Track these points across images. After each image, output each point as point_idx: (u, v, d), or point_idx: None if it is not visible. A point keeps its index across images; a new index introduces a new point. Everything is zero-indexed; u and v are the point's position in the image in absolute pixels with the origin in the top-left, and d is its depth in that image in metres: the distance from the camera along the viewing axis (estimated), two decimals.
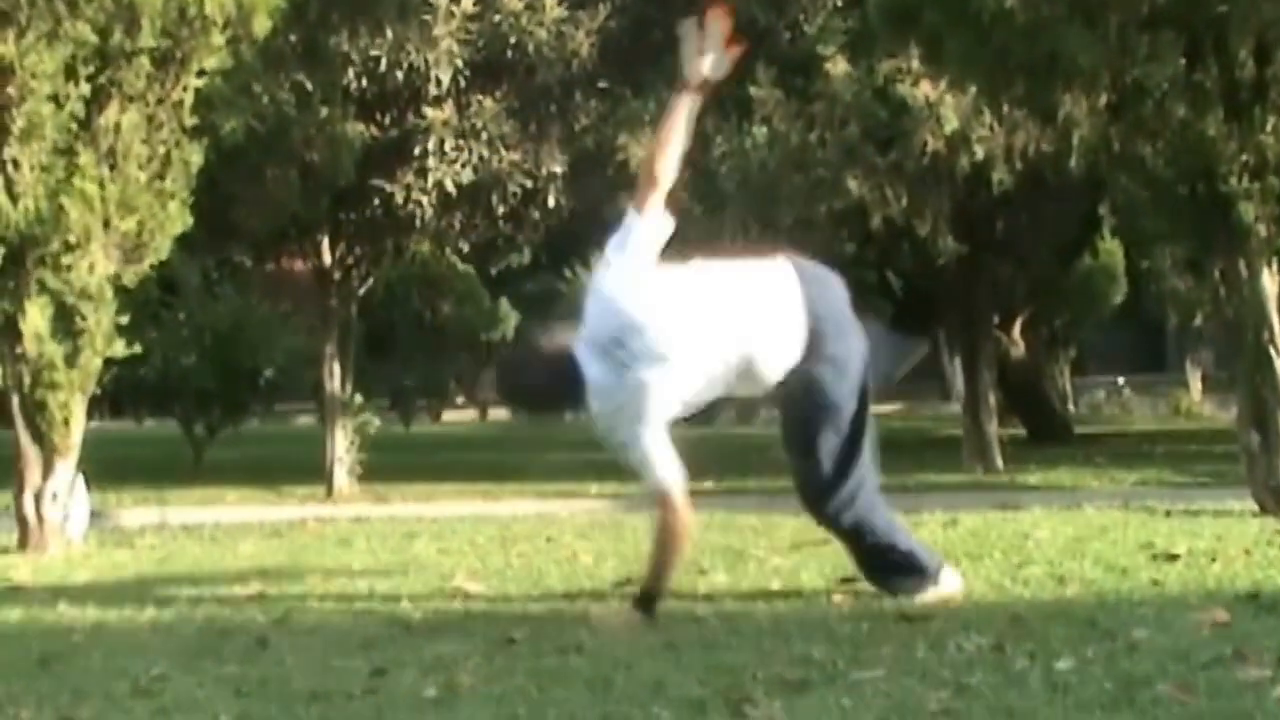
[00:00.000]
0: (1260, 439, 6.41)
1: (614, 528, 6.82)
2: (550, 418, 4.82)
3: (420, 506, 8.81)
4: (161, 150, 6.61)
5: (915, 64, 9.03)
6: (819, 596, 4.39)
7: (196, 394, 12.63)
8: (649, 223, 4.15)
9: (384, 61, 9.58)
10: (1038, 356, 15.21)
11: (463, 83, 9.91)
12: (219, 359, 12.46)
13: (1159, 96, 6.35)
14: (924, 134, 9.27)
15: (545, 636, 3.89)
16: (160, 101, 6.58)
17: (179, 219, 6.67)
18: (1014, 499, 7.56)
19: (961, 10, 6.39)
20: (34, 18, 6.24)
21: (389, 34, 9.56)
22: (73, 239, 6.35)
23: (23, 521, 6.51)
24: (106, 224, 6.43)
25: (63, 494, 6.54)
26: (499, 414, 22.18)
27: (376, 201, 10.11)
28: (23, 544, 6.48)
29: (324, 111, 9.55)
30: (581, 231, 12.82)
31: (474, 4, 9.79)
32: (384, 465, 10.83)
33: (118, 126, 6.46)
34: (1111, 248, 16.71)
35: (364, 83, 9.73)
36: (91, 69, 6.35)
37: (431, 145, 9.86)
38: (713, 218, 9.88)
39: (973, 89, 7.86)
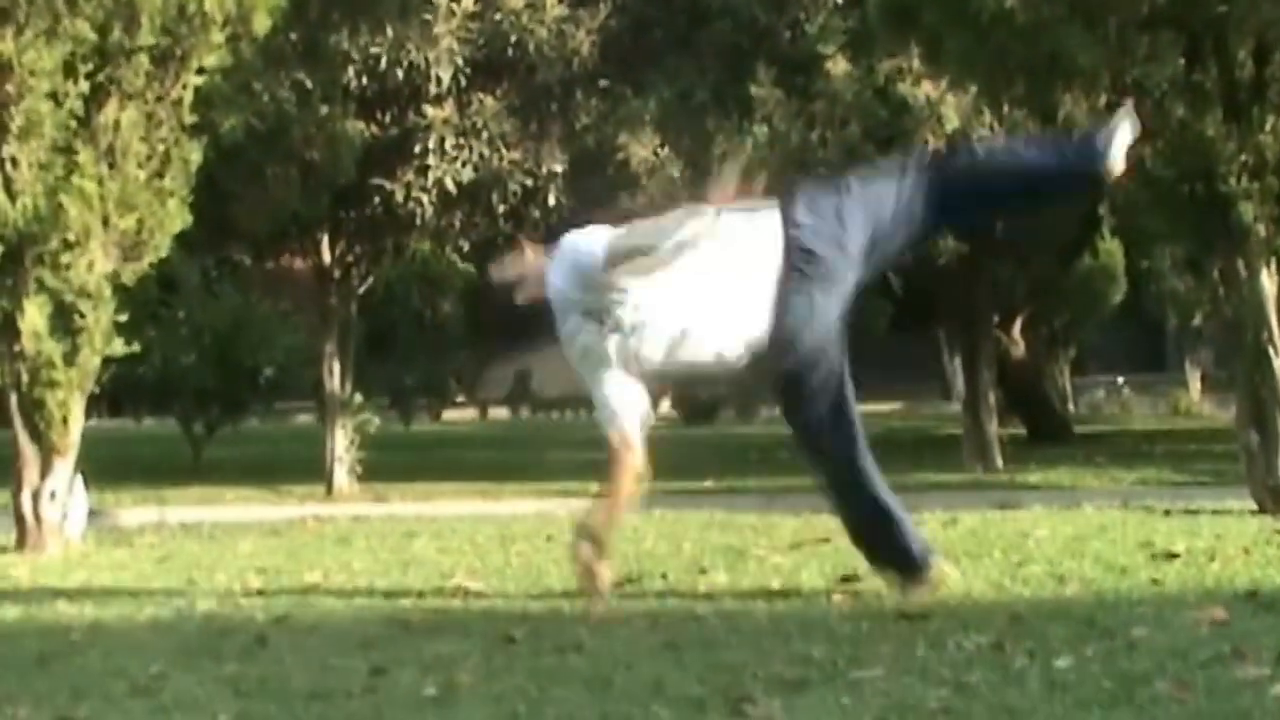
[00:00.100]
0: (1259, 438, 6.41)
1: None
2: (520, 350, 4.93)
3: (420, 505, 8.82)
4: (161, 148, 6.61)
5: (916, 64, 9.04)
6: (819, 596, 4.39)
7: (196, 393, 12.65)
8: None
9: (384, 60, 9.59)
10: (1038, 356, 15.22)
11: (463, 81, 9.92)
12: (218, 358, 12.47)
13: (1158, 97, 6.36)
14: (925, 133, 9.27)
15: (544, 635, 3.89)
16: (160, 99, 6.57)
17: (178, 217, 6.67)
18: (1014, 498, 7.56)
19: (961, 10, 6.39)
20: (33, 15, 6.24)
21: (389, 32, 9.57)
22: (71, 237, 6.34)
23: (21, 520, 6.51)
24: (105, 222, 6.43)
25: (61, 493, 6.54)
26: (499, 413, 22.22)
27: (377, 200, 10.11)
28: (21, 543, 6.48)
29: (324, 110, 9.56)
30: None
31: (474, 3, 9.80)
32: (384, 464, 10.84)
33: (117, 124, 6.46)
34: (1111, 248, 16.72)
35: (364, 81, 9.74)
36: (90, 66, 6.35)
37: (432, 144, 9.87)
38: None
39: (973, 89, 7.87)
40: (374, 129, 9.98)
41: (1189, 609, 3.82)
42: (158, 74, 6.54)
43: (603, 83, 10.64)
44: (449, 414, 21.68)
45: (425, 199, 10.00)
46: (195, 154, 6.73)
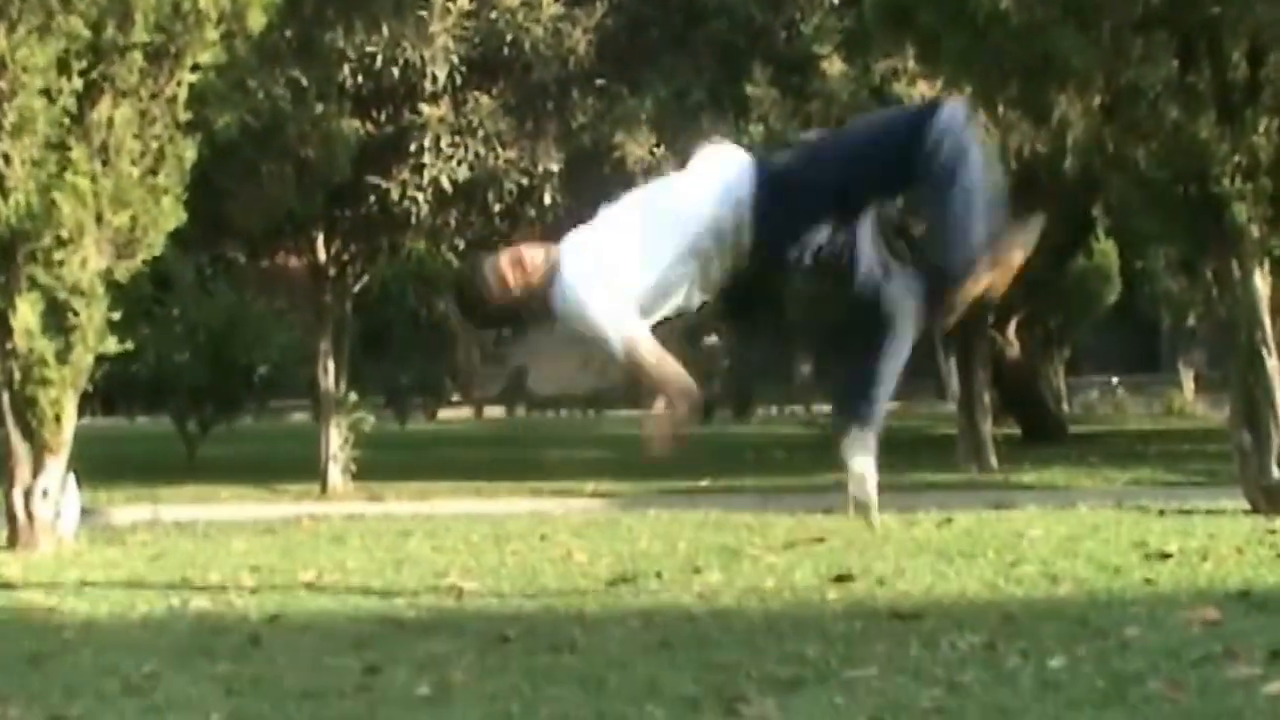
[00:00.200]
0: (1252, 438, 6.42)
1: (609, 526, 6.82)
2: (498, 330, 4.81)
3: (415, 504, 8.81)
4: (155, 145, 6.60)
5: (911, 64, 9.04)
6: (813, 595, 4.39)
7: (190, 391, 12.62)
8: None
9: (380, 58, 9.58)
10: (1032, 356, 15.22)
11: (459, 80, 9.91)
12: (213, 355, 12.45)
13: (1152, 98, 6.37)
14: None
15: (539, 635, 3.89)
16: (154, 96, 6.56)
17: (172, 215, 6.65)
18: (1008, 498, 7.57)
19: (957, 11, 6.40)
20: (26, 11, 6.23)
21: (385, 30, 9.56)
22: (65, 234, 6.33)
23: (13, 519, 6.50)
24: (99, 219, 6.41)
25: (54, 491, 6.52)
26: (495, 412, 22.21)
27: (372, 198, 10.10)
28: (13, 541, 6.46)
29: (319, 108, 9.55)
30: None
31: (470, 1, 9.79)
32: (379, 463, 10.83)
33: (110, 121, 6.45)
34: (1106, 248, 16.73)
35: (360, 79, 9.73)
36: (84, 63, 6.34)
37: (427, 142, 9.86)
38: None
39: (968, 89, 7.86)
40: (369, 127, 9.97)
41: (1182, 609, 3.83)
42: (152, 71, 6.53)
43: (599, 82, 10.64)
44: (444, 413, 21.67)
45: (420, 197, 9.99)
46: (189, 151, 6.72)
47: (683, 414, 3.80)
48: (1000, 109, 7.91)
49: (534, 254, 4.01)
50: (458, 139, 9.96)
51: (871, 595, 4.32)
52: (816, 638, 3.65)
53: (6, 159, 6.29)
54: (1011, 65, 6.51)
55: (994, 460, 10.92)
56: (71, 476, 6.66)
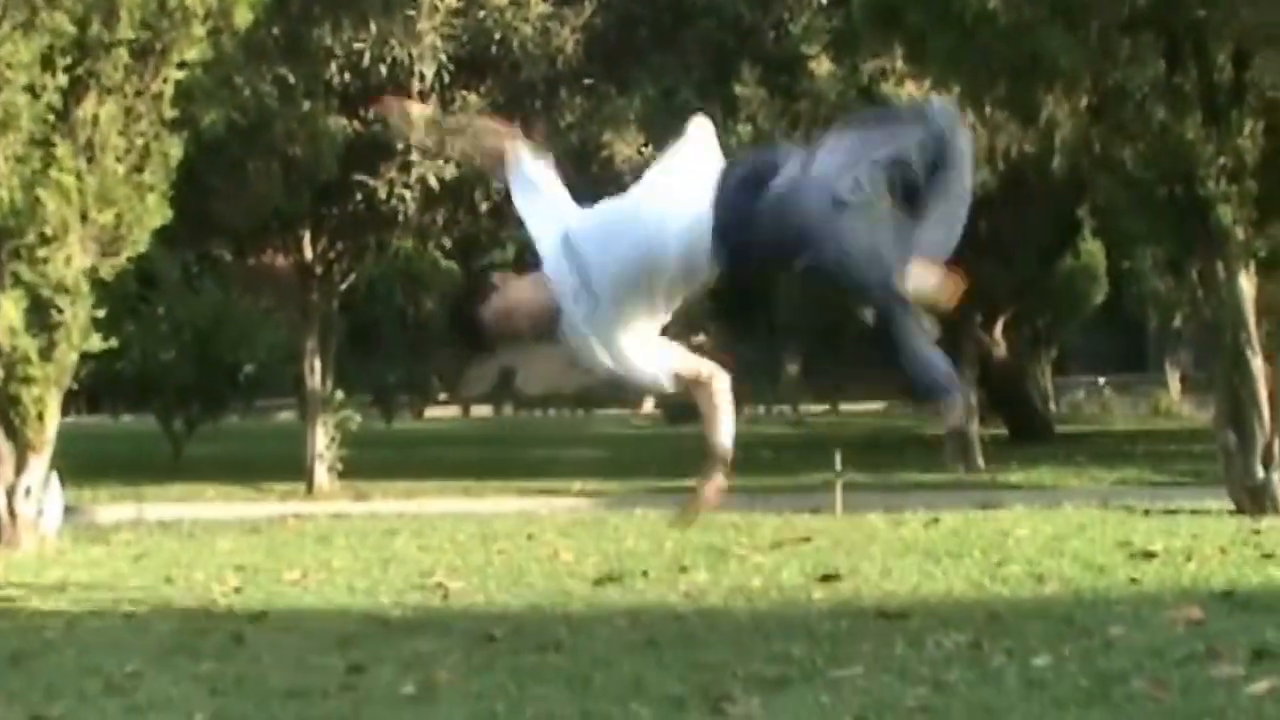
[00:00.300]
0: (1237, 439, 6.44)
1: (596, 525, 6.82)
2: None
3: (401, 503, 8.79)
4: (140, 142, 6.57)
5: (899, 64, 9.04)
6: (799, 594, 4.39)
7: (175, 389, 12.58)
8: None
9: (367, 55, 9.55)
10: (1020, 356, 15.25)
11: (446, 78, 9.89)
12: (198, 354, 12.41)
13: (1139, 99, 6.38)
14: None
15: (525, 634, 3.88)
16: (139, 93, 6.54)
17: (158, 212, 6.63)
18: (995, 498, 7.58)
19: (945, 11, 6.41)
20: (10, 8, 6.20)
21: (372, 28, 9.53)
22: (49, 231, 6.30)
23: None
24: (84, 216, 6.39)
25: (36, 490, 6.49)
26: (482, 411, 22.19)
27: (359, 196, 10.07)
28: None
29: (306, 105, 9.52)
30: None
31: None
32: (365, 462, 10.80)
33: (95, 118, 6.42)
34: (1093, 249, 16.77)
35: (347, 77, 9.70)
36: (69, 60, 6.31)
37: (415, 140, 9.83)
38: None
39: (956, 89, 7.87)
40: (357, 125, 9.94)
41: (1166, 608, 3.83)
42: (137, 68, 6.51)
43: (587, 81, 10.62)
44: (431, 412, 21.63)
45: (408, 196, 9.97)
46: (175, 149, 6.70)
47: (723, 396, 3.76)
48: (988, 109, 7.93)
49: (525, 302, 3.91)
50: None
51: (858, 595, 4.32)
52: (803, 637, 3.64)
53: None
54: (999, 65, 6.52)
55: (981, 460, 10.94)
56: (55, 475, 6.63)
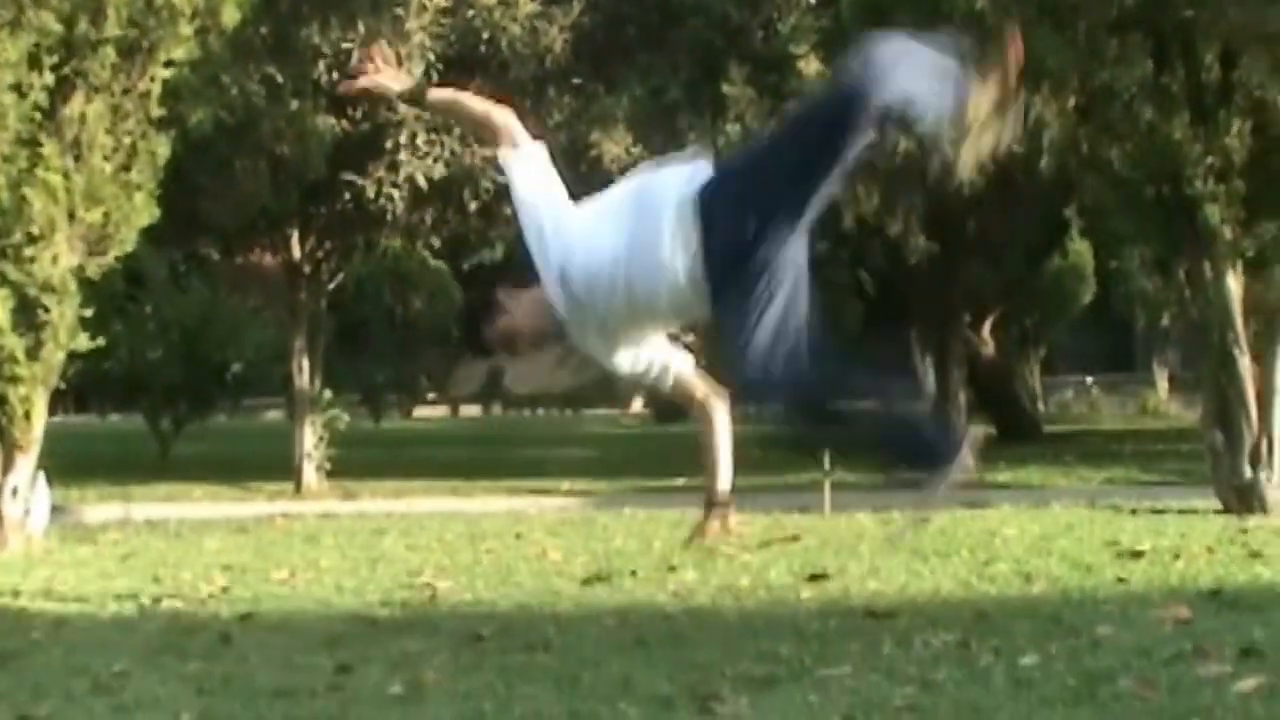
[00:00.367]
0: (1224, 438, 6.46)
1: (584, 525, 6.82)
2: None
3: (389, 503, 8.78)
4: (127, 141, 6.55)
5: None
6: (787, 593, 4.39)
7: (163, 388, 12.55)
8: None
9: (355, 55, 9.53)
10: (1008, 356, 15.29)
11: (435, 77, 9.87)
12: (186, 353, 12.38)
13: (1127, 99, 6.39)
14: (895, 133, 9.28)
15: (513, 633, 3.88)
16: (126, 92, 6.52)
17: (145, 211, 6.61)
18: (982, 497, 7.58)
19: (933, 11, 6.41)
20: None
21: (361, 27, 9.51)
22: (36, 230, 6.28)
23: None
24: (71, 215, 6.37)
25: (23, 489, 6.47)
26: (471, 410, 22.17)
27: (347, 196, 10.06)
28: None
29: (294, 104, 9.50)
30: None
31: None
32: (354, 461, 10.79)
33: (83, 117, 6.40)
34: (1081, 248, 16.82)
35: (335, 76, 9.68)
36: (56, 58, 6.28)
37: (403, 139, 9.82)
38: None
39: None
40: (344, 124, 9.92)
41: (1153, 607, 3.84)
42: (124, 66, 6.49)
43: (575, 80, 10.62)
44: (420, 411, 21.62)
45: (396, 195, 9.96)
46: (163, 147, 6.68)
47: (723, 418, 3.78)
48: None
49: (529, 323, 3.88)
50: (433, 136, 9.93)
51: (846, 594, 4.32)
52: (791, 636, 3.64)
53: None
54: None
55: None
56: (42, 474, 6.61)
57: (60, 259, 6.39)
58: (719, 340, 3.60)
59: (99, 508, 8.67)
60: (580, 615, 4.16)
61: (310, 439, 10.38)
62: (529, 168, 3.85)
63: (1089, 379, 19.86)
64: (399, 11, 9.56)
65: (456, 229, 11.30)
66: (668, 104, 10.43)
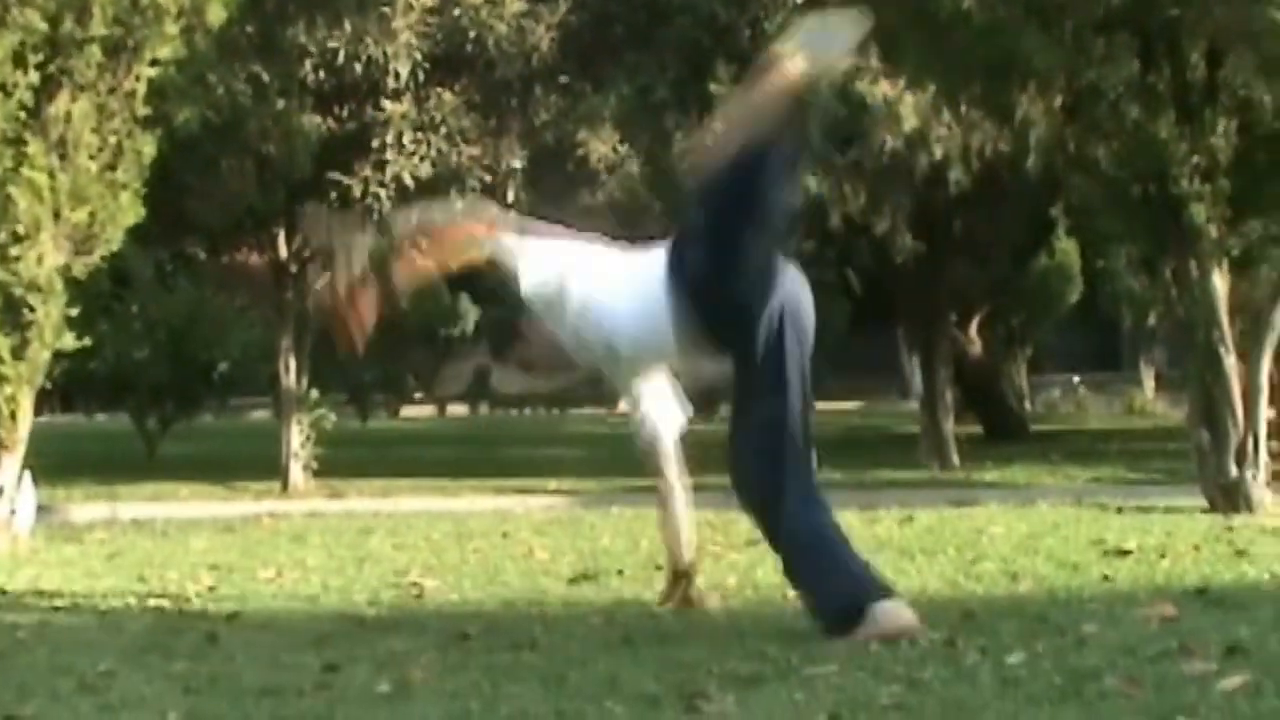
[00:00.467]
0: (1210, 437, 6.48)
1: (571, 524, 6.82)
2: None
3: (377, 502, 8.77)
4: (113, 140, 6.54)
5: (874, 63, 9.06)
6: (774, 592, 4.39)
7: (149, 388, 12.52)
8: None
9: (342, 54, 9.52)
10: (995, 355, 15.32)
11: (421, 76, 9.86)
12: (172, 352, 12.35)
13: (1113, 98, 6.41)
14: (882, 133, 9.31)
15: (500, 632, 3.88)
16: (112, 91, 6.50)
17: (131, 210, 6.60)
18: (969, 496, 7.61)
19: (919, 10, 6.42)
20: None
21: (347, 26, 9.50)
22: (21, 230, 6.26)
23: None
24: (56, 215, 6.35)
25: (9, 489, 6.46)
26: (458, 410, 22.14)
27: (334, 195, 10.04)
28: None
29: (280, 103, 9.49)
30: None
31: None
32: (341, 460, 10.78)
33: (68, 116, 6.38)
34: (1067, 247, 16.86)
35: (321, 75, 9.67)
36: (41, 57, 6.27)
37: (390, 139, 9.81)
38: (673, 214, 9.88)
39: (931, 88, 7.91)
40: (331, 123, 9.91)
41: (1139, 605, 3.85)
42: (110, 65, 6.47)
43: (562, 79, 10.62)
44: (407, 410, 21.59)
45: (383, 194, 9.94)
46: (149, 146, 6.66)
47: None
48: (963, 108, 7.96)
49: (547, 358, 3.97)
50: (420, 135, 9.92)
51: None
52: (777, 635, 3.65)
53: None
54: (974, 65, 6.54)
55: (956, 458, 10.98)
56: (28, 474, 6.60)
57: (46, 258, 6.37)
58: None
59: (85, 507, 8.64)
60: (567, 614, 4.16)
61: (297, 438, 10.37)
62: (534, 264, 3.86)
63: (1076, 378, 19.91)
64: (385, 10, 9.55)
65: None
66: (655, 103, 10.43)
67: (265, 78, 9.42)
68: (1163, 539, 5.35)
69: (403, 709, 3.04)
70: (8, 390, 6.33)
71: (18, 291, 6.35)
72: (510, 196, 10.38)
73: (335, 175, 9.91)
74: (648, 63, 10.56)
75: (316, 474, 10.40)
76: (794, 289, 3.72)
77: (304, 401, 10.60)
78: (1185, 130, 6.28)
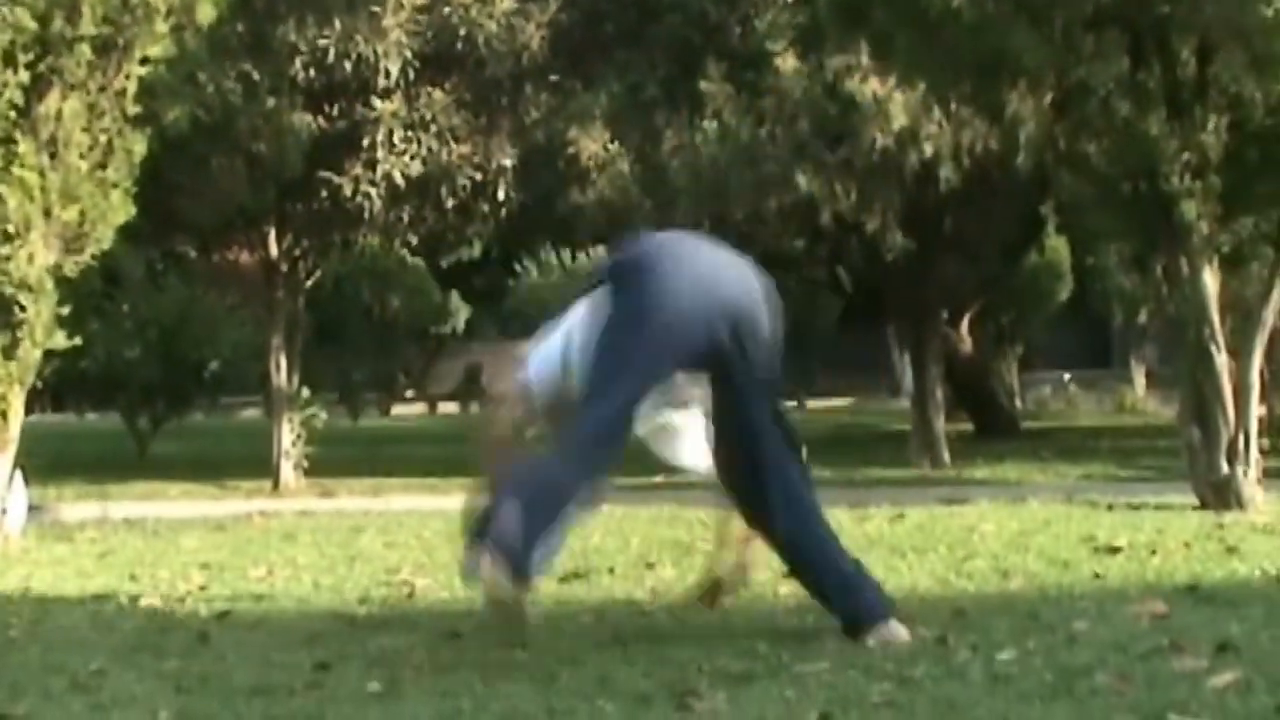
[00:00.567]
0: (1201, 434, 6.49)
1: None
2: None
3: (367, 501, 8.76)
4: (103, 139, 6.53)
5: (864, 60, 9.07)
6: (764, 590, 4.40)
7: (140, 387, 12.50)
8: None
9: (332, 52, 9.51)
10: (985, 352, 15.32)
11: (412, 74, 9.86)
12: (163, 351, 12.33)
13: (1103, 95, 6.41)
14: (873, 130, 9.30)
15: (491, 631, 3.87)
16: (102, 89, 6.49)
17: (121, 209, 6.59)
18: (960, 493, 7.61)
19: (909, 8, 6.42)
20: None
21: (337, 24, 9.49)
22: (11, 229, 6.25)
23: None
24: (47, 213, 6.34)
25: (0, 488, 6.44)
26: (448, 408, 22.12)
27: (324, 193, 10.03)
28: None
29: (271, 102, 9.48)
30: (532, 225, 12.78)
31: None
32: (331, 459, 10.76)
33: (58, 114, 6.37)
34: (1058, 245, 16.86)
35: (312, 73, 9.66)
36: (31, 56, 6.26)
37: (380, 137, 9.81)
38: (662, 213, 9.88)
39: (921, 86, 7.91)
40: (321, 122, 9.89)
41: (1130, 603, 3.86)
42: (100, 64, 6.46)
43: (552, 77, 10.61)
44: (398, 409, 21.56)
45: (373, 193, 9.94)
46: (139, 145, 6.65)
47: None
48: (953, 105, 7.97)
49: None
50: (411, 134, 9.91)
51: None
52: (768, 633, 3.65)
53: None
54: (964, 62, 6.55)
55: (946, 456, 10.98)
56: (19, 473, 6.59)
57: (36, 257, 6.36)
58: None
59: (76, 506, 8.63)
60: (558, 612, 4.16)
61: (288, 437, 10.36)
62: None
63: (1066, 375, 19.93)
64: (375, 9, 9.54)
65: (434, 226, 11.27)
66: (645, 101, 10.43)
67: (255, 76, 9.41)
68: (1153, 536, 5.36)
69: (394, 707, 3.04)
70: None
71: (8, 290, 6.34)
72: (500, 195, 10.39)
73: (326, 174, 9.90)
74: (638, 61, 10.57)
75: (307, 473, 10.39)
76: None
77: (295, 400, 10.59)
78: (1175, 127, 6.29)
